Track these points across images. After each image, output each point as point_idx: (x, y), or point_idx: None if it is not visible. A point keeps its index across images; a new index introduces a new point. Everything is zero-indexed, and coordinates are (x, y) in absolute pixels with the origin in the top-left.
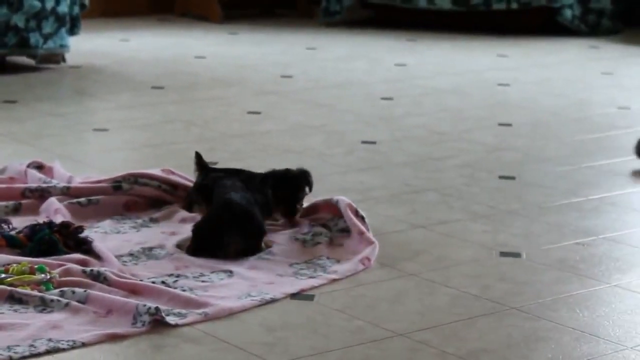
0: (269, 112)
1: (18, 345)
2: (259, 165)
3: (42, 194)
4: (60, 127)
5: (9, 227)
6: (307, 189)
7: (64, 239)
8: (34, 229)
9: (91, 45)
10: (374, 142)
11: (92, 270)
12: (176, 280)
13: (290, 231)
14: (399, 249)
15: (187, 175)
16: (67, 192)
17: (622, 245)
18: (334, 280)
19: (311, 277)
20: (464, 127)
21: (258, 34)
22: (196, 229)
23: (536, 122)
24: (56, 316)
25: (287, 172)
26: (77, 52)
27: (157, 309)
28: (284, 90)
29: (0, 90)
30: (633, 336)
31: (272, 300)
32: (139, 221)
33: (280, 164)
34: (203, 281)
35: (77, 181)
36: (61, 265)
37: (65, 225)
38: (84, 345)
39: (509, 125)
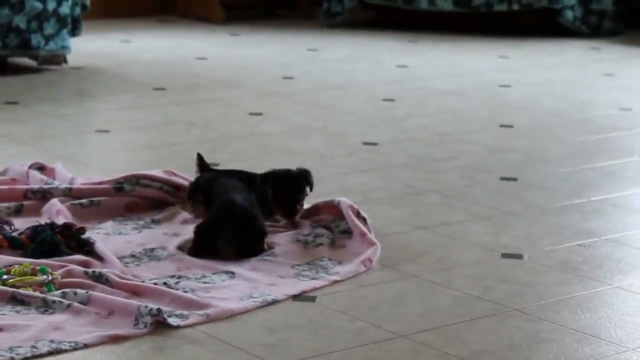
0: (270, 113)
1: (20, 347)
2: (260, 166)
3: (44, 195)
4: (61, 129)
5: (10, 229)
6: (307, 189)
7: (65, 240)
8: (35, 230)
9: (92, 47)
10: (375, 144)
11: (94, 271)
12: (178, 282)
13: (291, 232)
14: (401, 251)
15: (189, 177)
16: (69, 194)
17: (624, 247)
18: (336, 281)
19: (313, 279)
20: (465, 129)
21: (259, 35)
22: (198, 230)
23: (537, 123)
24: (58, 317)
25: (287, 172)
26: (78, 54)
27: (159, 310)
28: (285, 92)
29: (1, 92)
30: (635, 338)
31: (274, 302)
32: (141, 222)
33: (281, 165)
34: (205, 282)
35: (79, 182)
36: (63, 266)
37: (67, 226)
38: (85, 346)
39: (510, 126)
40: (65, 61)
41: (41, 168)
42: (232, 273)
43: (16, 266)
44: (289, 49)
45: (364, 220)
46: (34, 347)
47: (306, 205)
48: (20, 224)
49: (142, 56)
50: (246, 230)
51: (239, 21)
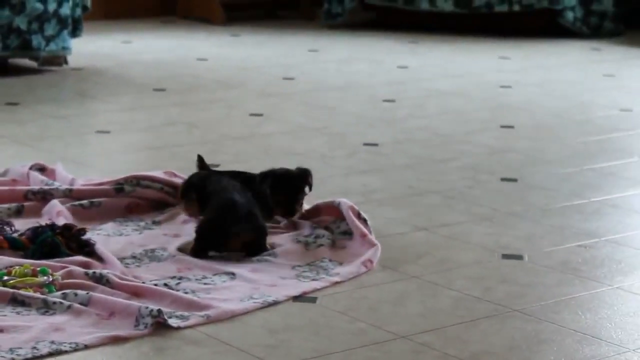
0: (271, 114)
1: (20, 348)
2: (261, 167)
3: (44, 196)
4: (62, 129)
5: (11, 230)
6: (307, 189)
7: (66, 241)
8: (36, 231)
9: (93, 48)
10: (376, 144)
11: (94, 272)
12: (179, 283)
13: (292, 233)
14: (401, 252)
15: None
16: (69, 195)
17: (624, 248)
18: (337, 282)
19: (313, 280)
20: (466, 129)
21: (260, 36)
22: (199, 230)
23: (538, 124)
24: (59, 318)
25: (286, 172)
26: (79, 54)
27: (159, 311)
28: (286, 92)
29: (2, 92)
30: (635, 338)
31: (275, 303)
32: (142, 224)
33: (282, 166)
34: (205, 283)
35: (79, 183)
36: (63, 267)
37: (67, 227)
38: (86, 347)
39: (511, 127)
40: (65, 62)
41: (42, 169)
42: (233, 274)
43: (17, 267)
44: (289, 50)
45: (364, 221)
46: (34, 348)
47: (307, 206)
48: (21, 225)
49: (143, 57)
50: (249, 227)
51: (239, 22)
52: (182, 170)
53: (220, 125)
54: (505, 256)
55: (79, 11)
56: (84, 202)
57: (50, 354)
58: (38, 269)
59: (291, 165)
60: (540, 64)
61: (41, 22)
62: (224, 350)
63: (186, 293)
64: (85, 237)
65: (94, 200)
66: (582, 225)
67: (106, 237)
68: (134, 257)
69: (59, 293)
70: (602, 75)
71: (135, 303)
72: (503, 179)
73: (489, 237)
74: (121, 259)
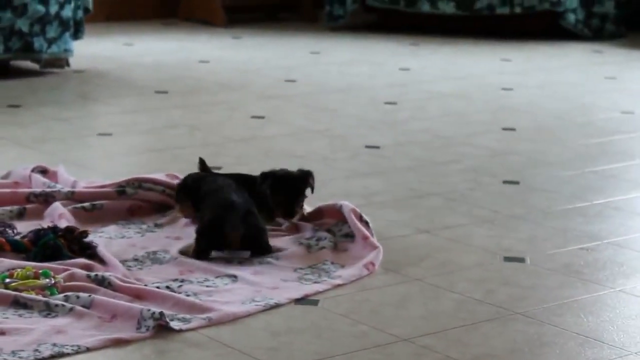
0: (272, 116)
1: (23, 350)
2: (263, 169)
3: (46, 199)
4: (64, 132)
5: (13, 232)
6: (308, 191)
7: (68, 244)
8: (38, 233)
9: (95, 50)
10: (377, 147)
11: (96, 275)
12: (180, 285)
13: (294, 236)
14: (403, 254)
15: None
16: (71, 197)
17: (626, 250)
18: (338, 285)
19: (315, 282)
20: (467, 132)
21: (262, 38)
22: (200, 230)
23: (540, 126)
24: (61, 321)
25: (287, 173)
26: (81, 57)
27: (161, 313)
28: (288, 95)
29: (4, 95)
30: (637, 341)
31: (277, 305)
32: (144, 226)
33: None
34: (207, 286)
35: (81, 186)
36: (65, 270)
37: (69, 229)
38: (88, 350)
39: (513, 129)
40: (67, 64)
41: (44, 171)
42: (235, 277)
43: (19, 270)
44: (291, 52)
45: (366, 223)
46: (36, 350)
47: (309, 208)
48: (23, 228)
49: (145, 59)
50: (247, 225)
51: (241, 24)
52: (184, 173)
53: (221, 127)
54: (507, 259)
55: (80, 13)
56: (86, 204)
57: (52, 357)
58: (40, 271)
59: (293, 167)
60: (542, 66)
61: (43, 24)
62: (225, 352)
63: (188, 296)
64: (87, 239)
65: (96, 203)
66: (584, 227)
67: (108, 239)
68: (136, 259)
69: (61, 295)
70: (603, 77)
71: (137, 306)
72: (505, 182)
73: (491, 240)
74: (123, 262)
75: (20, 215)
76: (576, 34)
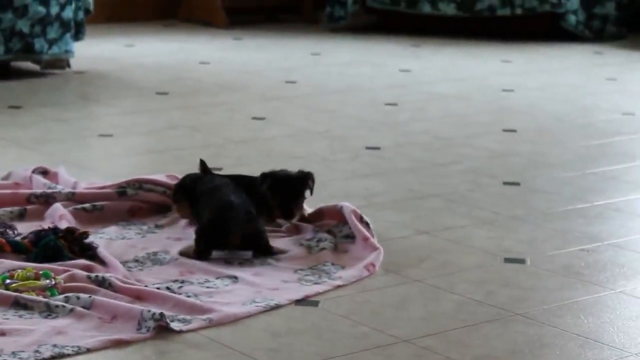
0: (273, 117)
1: (23, 351)
2: (263, 170)
3: (47, 200)
4: (64, 133)
5: (14, 233)
6: (306, 192)
7: (69, 245)
8: (39, 234)
9: (96, 51)
10: (378, 148)
11: (97, 276)
12: (181, 286)
13: (294, 237)
14: (404, 255)
15: None
16: (72, 198)
17: (626, 252)
18: (339, 286)
19: (316, 283)
20: (468, 133)
21: (262, 40)
22: (200, 230)
23: (540, 127)
24: (61, 322)
25: (286, 174)
26: (81, 58)
27: (161, 314)
28: (288, 96)
29: (4, 96)
30: (638, 343)
31: (277, 306)
32: (144, 227)
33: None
34: (208, 287)
35: (82, 187)
36: (66, 271)
37: (70, 231)
38: (88, 350)
39: (513, 130)
40: (68, 65)
41: (44, 172)
42: (235, 278)
43: (19, 270)
44: (291, 53)
45: (366, 224)
46: (37, 351)
47: (309, 209)
48: (24, 229)
49: (145, 60)
50: (246, 223)
51: (241, 25)
52: (185, 174)
53: (222, 128)
54: (508, 260)
55: (81, 14)
56: (87, 205)
57: (53, 358)
58: (41, 272)
59: (293, 168)
60: (543, 68)
61: (44, 25)
62: (226, 353)
63: (188, 297)
64: (87, 240)
65: (97, 204)
66: (585, 229)
67: (109, 240)
68: (136, 260)
69: (61, 296)
70: (604, 78)
71: (137, 306)
72: (505, 183)
73: (491, 241)
74: (124, 263)
75: (21, 216)
76: (577, 36)
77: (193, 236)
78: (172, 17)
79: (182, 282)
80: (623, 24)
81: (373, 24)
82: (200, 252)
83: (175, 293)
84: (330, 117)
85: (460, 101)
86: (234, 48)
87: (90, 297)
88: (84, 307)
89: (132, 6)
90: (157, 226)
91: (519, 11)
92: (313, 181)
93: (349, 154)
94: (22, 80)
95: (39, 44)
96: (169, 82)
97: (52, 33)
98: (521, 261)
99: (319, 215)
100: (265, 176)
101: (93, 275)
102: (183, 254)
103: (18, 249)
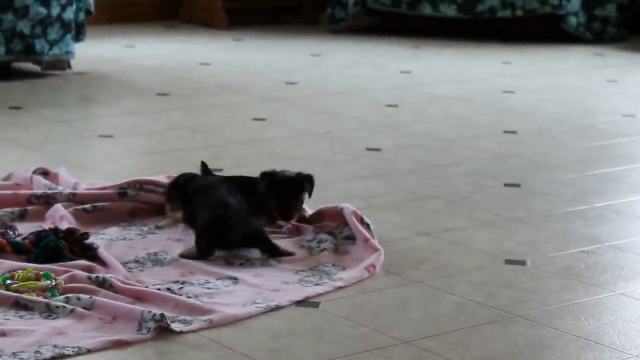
0: (273, 119)
1: (24, 352)
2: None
3: (47, 201)
4: (65, 134)
5: (14, 234)
6: (305, 194)
7: (69, 246)
8: (39, 235)
9: (97, 52)
10: (379, 150)
11: (97, 277)
12: (182, 287)
13: (295, 239)
14: (404, 257)
15: None
16: (72, 199)
17: (627, 254)
18: (340, 287)
19: (317, 285)
20: (469, 135)
21: (263, 41)
22: (200, 231)
23: (541, 129)
24: (62, 323)
25: (284, 176)
26: (82, 59)
27: (162, 315)
28: (289, 97)
29: (5, 97)
30: (638, 345)
31: (278, 308)
32: (145, 228)
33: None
34: (209, 288)
35: (83, 188)
36: (67, 271)
37: (71, 231)
38: (89, 351)
39: (514, 132)
40: (69, 66)
41: (45, 173)
42: (236, 279)
43: (20, 271)
44: (292, 55)
45: (367, 226)
46: (37, 352)
47: (310, 211)
48: (24, 230)
49: (146, 62)
50: (248, 224)
51: (242, 27)
52: None
53: (223, 130)
54: (508, 262)
55: (82, 16)
56: (88, 206)
57: (53, 358)
58: (41, 273)
59: (294, 170)
60: (544, 70)
61: (45, 26)
62: (227, 355)
63: (189, 298)
64: (88, 241)
65: (98, 205)
66: (585, 231)
67: (109, 241)
68: (137, 261)
69: (62, 297)
70: (605, 80)
71: (138, 308)
72: (506, 185)
73: (492, 243)
74: (124, 264)
75: (22, 217)
76: (578, 38)
77: (193, 237)
78: (172, 19)
79: (183, 283)
80: (624, 26)
81: (374, 26)
82: (202, 251)
83: (176, 294)
84: (331, 118)
85: (461, 103)
86: (234, 49)
87: (91, 298)
88: (84, 308)
89: (133, 7)
90: (157, 227)
91: (519, 13)
92: (312, 184)
93: (350, 156)
94: (23, 81)
95: (40, 45)
96: (170, 83)
97: (53, 34)
98: (522, 263)
99: (320, 216)
100: (265, 175)
101: (94, 276)
102: (184, 256)
103: (19, 250)
